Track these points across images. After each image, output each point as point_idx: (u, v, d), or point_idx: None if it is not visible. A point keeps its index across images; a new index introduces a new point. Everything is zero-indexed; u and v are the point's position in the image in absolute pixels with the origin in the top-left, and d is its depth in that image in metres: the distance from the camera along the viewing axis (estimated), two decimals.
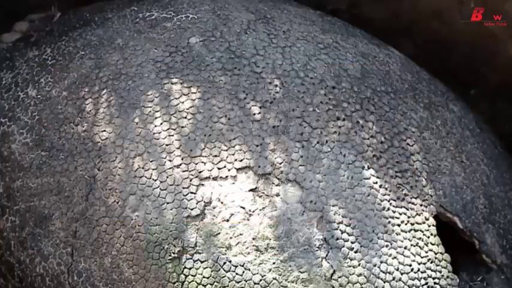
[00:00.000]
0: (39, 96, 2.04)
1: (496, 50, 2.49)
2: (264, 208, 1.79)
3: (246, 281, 1.74)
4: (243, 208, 1.79)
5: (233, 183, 1.81)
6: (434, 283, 1.84)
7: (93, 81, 2.00)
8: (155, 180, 1.82)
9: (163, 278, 1.76)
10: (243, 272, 1.74)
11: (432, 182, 1.97)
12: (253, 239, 1.77)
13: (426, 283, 1.83)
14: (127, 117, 1.91)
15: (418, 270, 1.83)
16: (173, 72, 1.97)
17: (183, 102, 1.91)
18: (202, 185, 1.81)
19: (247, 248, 1.76)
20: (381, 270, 1.79)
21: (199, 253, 1.76)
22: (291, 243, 1.77)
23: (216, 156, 1.83)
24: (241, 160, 1.83)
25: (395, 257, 1.81)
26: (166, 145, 1.85)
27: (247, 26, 2.12)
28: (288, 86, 1.97)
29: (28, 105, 2.04)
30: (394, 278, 1.79)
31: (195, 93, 1.93)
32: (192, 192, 1.80)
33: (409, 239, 1.84)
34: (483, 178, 2.12)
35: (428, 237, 1.88)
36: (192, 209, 1.78)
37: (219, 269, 1.74)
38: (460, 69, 2.60)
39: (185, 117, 1.89)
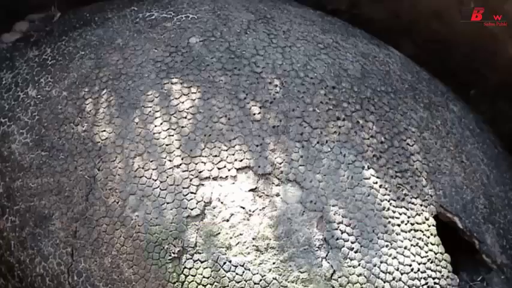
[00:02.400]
0: (39, 96, 2.04)
1: (496, 50, 2.49)
2: (264, 208, 1.79)
3: (246, 281, 1.74)
4: (243, 208, 1.79)
5: (233, 183, 1.81)
6: (434, 283, 1.84)
7: (93, 81, 2.00)
8: (155, 180, 1.82)
9: (163, 278, 1.76)
10: (243, 272, 1.74)
11: (432, 182, 1.97)
12: (253, 239, 1.76)
13: (426, 283, 1.83)
14: (127, 117, 1.91)
15: (418, 270, 1.82)
16: (173, 72, 1.97)
17: (183, 102, 1.91)
18: (202, 185, 1.81)
19: (247, 248, 1.76)
20: (381, 270, 1.79)
21: (199, 253, 1.76)
22: (291, 243, 1.77)
23: (216, 156, 1.83)
24: (241, 160, 1.83)
25: (395, 257, 1.81)
26: (166, 145, 1.85)
27: (247, 26, 2.12)
28: (288, 86, 1.97)
29: (28, 105, 2.04)
30: (394, 278, 1.79)
31: (195, 93, 1.93)
32: (192, 192, 1.80)
33: (409, 239, 1.84)
34: (483, 178, 2.12)
35: (428, 237, 1.88)
36: (192, 209, 1.78)
37: (219, 269, 1.74)
38: (460, 69, 2.60)
39: (185, 117, 1.89)
